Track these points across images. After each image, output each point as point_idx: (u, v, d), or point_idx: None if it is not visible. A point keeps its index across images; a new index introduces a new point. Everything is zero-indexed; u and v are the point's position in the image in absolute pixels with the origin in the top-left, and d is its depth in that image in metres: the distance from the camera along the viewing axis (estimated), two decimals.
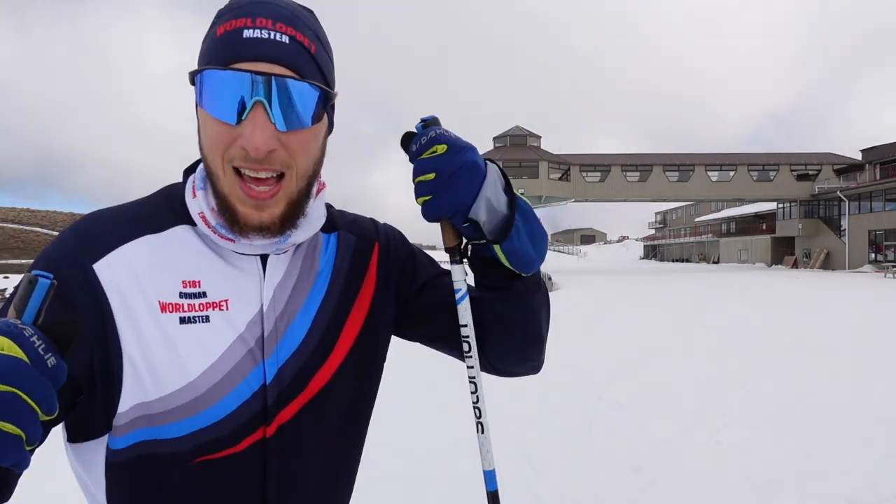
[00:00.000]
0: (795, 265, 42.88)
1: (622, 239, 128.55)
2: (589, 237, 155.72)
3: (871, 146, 39.78)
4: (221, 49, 0.59)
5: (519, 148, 41.87)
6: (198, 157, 0.68)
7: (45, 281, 0.42)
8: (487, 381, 0.87)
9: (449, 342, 0.83)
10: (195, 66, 0.62)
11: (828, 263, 39.25)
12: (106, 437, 0.64)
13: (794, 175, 41.85)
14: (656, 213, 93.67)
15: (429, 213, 0.68)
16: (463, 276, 0.74)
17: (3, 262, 65.60)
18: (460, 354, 0.81)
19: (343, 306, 0.77)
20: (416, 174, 0.68)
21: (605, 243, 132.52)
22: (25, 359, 0.39)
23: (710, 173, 42.24)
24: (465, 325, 0.75)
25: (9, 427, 0.37)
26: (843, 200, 37.93)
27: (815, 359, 7.39)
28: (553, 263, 42.33)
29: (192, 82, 0.61)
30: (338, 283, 0.77)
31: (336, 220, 0.83)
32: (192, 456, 0.65)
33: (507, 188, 0.71)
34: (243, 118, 0.58)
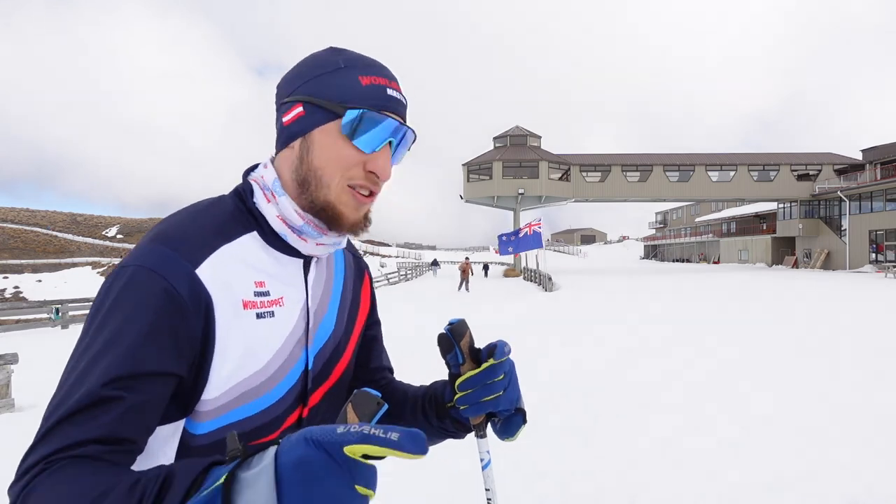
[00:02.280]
0: (796, 265, 42.88)
1: (622, 239, 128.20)
2: (589, 237, 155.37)
3: (872, 146, 39.80)
4: (371, 97, 0.77)
5: (519, 148, 41.88)
6: (255, 162, 0.87)
7: (386, 406, 0.54)
8: None
9: (359, 377, 1.00)
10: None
11: (828, 263, 39.26)
12: (182, 421, 0.72)
13: (795, 175, 41.87)
14: (656, 213, 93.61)
15: (505, 406, 0.82)
16: (487, 448, 0.87)
17: (3, 262, 65.66)
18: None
19: (353, 306, 0.97)
20: (490, 377, 0.82)
21: (605, 243, 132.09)
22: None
23: (710, 173, 42.25)
24: (489, 490, 0.86)
25: None
26: (844, 200, 37.94)
27: (816, 358, 7.40)
28: (553, 263, 42.30)
29: (322, 107, 0.76)
30: (348, 287, 0.97)
31: None
32: (248, 438, 0.76)
33: None
34: (375, 150, 0.78)
